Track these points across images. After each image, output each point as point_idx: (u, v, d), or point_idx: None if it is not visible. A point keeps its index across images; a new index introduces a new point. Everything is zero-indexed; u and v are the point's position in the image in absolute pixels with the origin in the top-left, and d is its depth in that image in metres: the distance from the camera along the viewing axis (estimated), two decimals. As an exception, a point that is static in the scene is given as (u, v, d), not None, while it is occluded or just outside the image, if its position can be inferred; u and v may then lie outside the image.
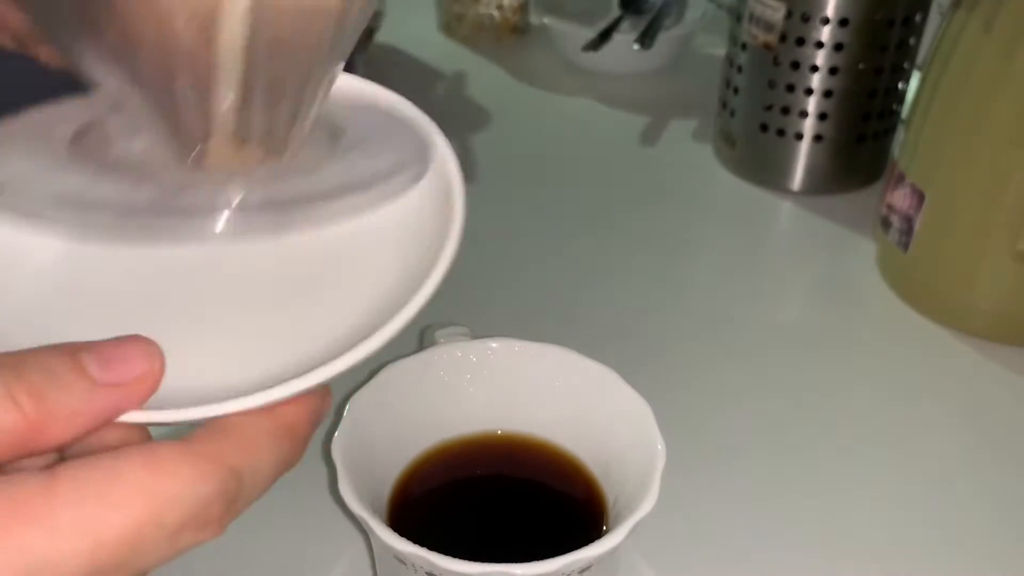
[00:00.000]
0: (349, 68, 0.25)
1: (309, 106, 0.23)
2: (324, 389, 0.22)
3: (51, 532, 0.18)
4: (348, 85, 0.27)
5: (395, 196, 0.25)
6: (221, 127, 0.22)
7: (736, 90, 0.65)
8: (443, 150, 0.27)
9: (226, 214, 0.22)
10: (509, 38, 0.88)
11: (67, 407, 0.19)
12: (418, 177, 0.25)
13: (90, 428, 0.20)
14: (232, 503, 0.20)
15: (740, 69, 0.64)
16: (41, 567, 0.18)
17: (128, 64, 0.21)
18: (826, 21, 0.58)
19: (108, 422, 0.20)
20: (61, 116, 0.25)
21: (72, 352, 0.20)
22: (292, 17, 0.21)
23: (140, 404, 0.20)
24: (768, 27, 0.61)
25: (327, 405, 0.23)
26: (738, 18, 0.63)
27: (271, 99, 0.22)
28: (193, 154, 0.22)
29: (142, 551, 0.19)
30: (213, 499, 0.19)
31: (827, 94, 0.61)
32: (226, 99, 0.21)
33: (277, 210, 0.22)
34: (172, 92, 0.21)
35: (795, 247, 0.62)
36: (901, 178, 0.53)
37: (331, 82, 0.24)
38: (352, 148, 0.25)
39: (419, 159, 0.26)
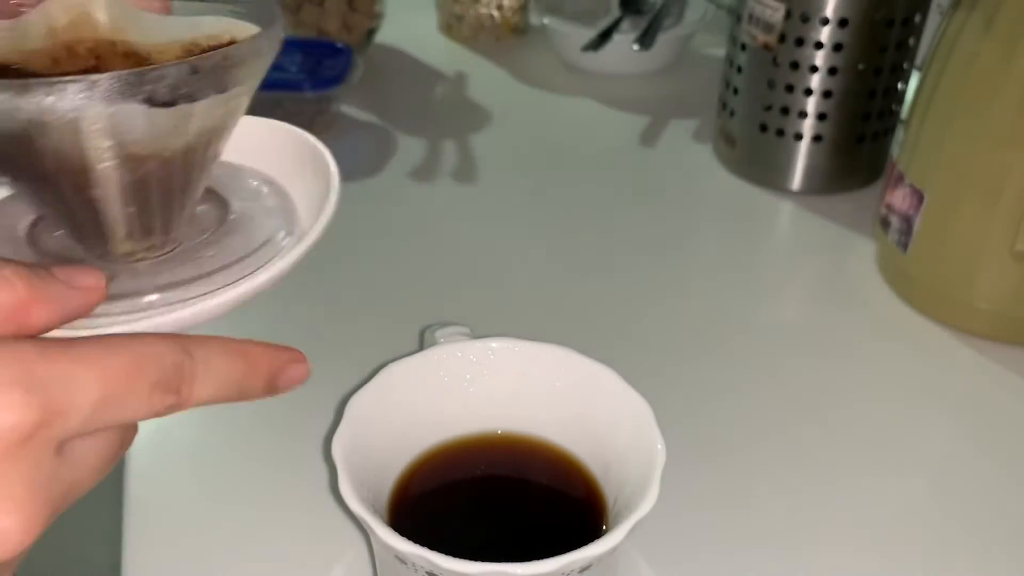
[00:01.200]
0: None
1: (186, 203, 0.29)
2: (296, 354, 0.26)
3: (66, 358, 0.21)
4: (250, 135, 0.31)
5: (275, 257, 0.29)
6: (115, 233, 0.28)
7: (736, 90, 0.65)
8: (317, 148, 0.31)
9: (124, 302, 0.27)
10: (509, 38, 0.88)
11: (50, 293, 0.22)
12: (289, 234, 0.30)
13: (64, 319, 0.23)
14: (187, 380, 0.23)
15: (740, 69, 0.64)
16: (62, 381, 0.20)
17: (35, 192, 0.27)
18: (825, 22, 0.59)
19: (75, 317, 0.23)
20: (23, 209, 0.30)
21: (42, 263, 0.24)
22: (153, 161, 0.26)
23: (96, 308, 0.24)
24: (767, 27, 0.61)
25: (298, 364, 0.26)
26: (738, 18, 0.63)
27: (152, 209, 0.27)
28: (98, 251, 0.28)
29: (131, 394, 0.22)
30: (175, 367, 0.23)
31: (826, 94, 0.61)
32: (113, 217, 0.27)
33: (171, 292, 0.28)
34: (72, 212, 0.27)
35: (795, 247, 0.62)
36: (900, 178, 0.53)
37: (205, 180, 0.29)
38: (236, 222, 0.31)
39: (290, 218, 0.31)
